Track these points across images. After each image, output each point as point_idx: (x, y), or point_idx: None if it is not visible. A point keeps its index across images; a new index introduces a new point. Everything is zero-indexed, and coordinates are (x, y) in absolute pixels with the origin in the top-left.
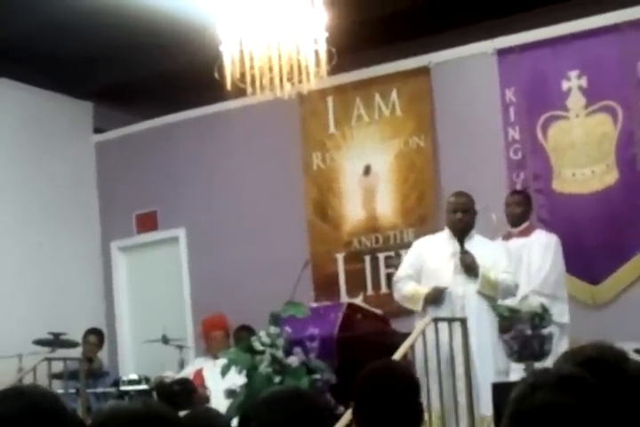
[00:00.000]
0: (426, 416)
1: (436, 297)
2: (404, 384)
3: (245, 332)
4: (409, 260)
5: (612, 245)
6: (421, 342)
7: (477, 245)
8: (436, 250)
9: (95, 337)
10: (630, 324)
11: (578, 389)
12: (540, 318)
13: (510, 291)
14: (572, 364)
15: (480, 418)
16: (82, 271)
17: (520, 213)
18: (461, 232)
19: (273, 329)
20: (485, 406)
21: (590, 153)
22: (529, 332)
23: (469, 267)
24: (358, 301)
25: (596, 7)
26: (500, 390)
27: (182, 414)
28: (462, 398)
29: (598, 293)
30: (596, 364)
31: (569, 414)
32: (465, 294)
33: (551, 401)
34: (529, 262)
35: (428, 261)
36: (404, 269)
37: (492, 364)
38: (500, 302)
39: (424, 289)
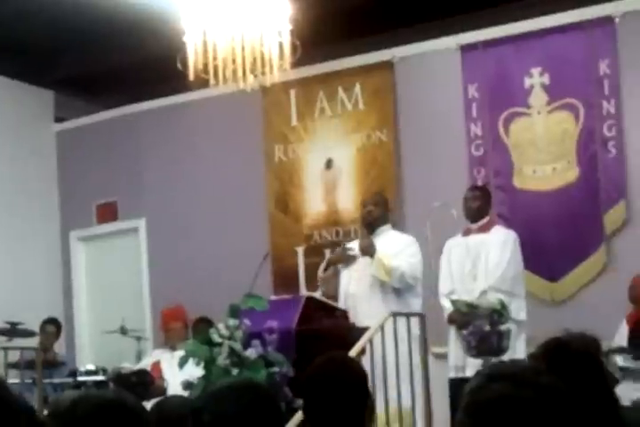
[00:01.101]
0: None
1: (340, 258)
2: (351, 378)
3: (204, 324)
4: None
5: (571, 243)
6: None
7: (388, 237)
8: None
9: (53, 327)
10: (588, 321)
11: (533, 381)
12: (499, 314)
13: (404, 279)
14: (540, 351)
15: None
16: (41, 261)
17: (477, 208)
18: (371, 225)
19: (232, 321)
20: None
21: (551, 150)
22: (487, 328)
23: (365, 249)
24: (317, 294)
25: (559, 5)
26: (457, 386)
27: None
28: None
29: (557, 290)
30: (562, 351)
31: (523, 405)
32: (356, 292)
33: (506, 393)
34: (487, 258)
35: None
36: None
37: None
38: (454, 297)
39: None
